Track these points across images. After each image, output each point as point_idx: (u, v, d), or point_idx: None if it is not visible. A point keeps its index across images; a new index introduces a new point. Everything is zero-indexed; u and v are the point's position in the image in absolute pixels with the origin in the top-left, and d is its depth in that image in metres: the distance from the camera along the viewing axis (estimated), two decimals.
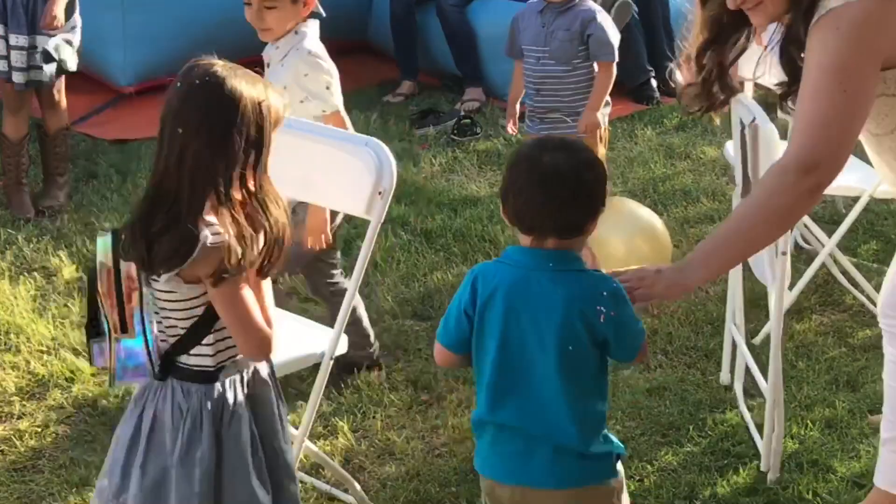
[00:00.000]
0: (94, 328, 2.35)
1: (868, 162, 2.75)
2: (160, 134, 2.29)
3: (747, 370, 3.57)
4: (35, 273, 4.31)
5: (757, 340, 3.91)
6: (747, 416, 3.50)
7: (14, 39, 4.68)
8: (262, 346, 2.34)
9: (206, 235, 2.22)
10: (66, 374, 3.68)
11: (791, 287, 4.05)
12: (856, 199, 4.05)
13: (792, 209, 2.42)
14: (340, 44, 6.88)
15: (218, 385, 2.35)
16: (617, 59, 4.32)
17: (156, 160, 2.30)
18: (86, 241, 4.53)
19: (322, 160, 3.01)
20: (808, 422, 3.48)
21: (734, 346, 3.65)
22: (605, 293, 2.27)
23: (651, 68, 6.21)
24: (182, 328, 2.33)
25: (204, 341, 2.33)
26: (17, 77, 4.70)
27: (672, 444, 3.39)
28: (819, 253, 4.12)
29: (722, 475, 3.26)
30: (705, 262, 2.39)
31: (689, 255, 2.43)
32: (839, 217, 4.63)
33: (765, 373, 3.33)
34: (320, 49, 3.49)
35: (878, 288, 4.08)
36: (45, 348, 3.83)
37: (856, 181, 4.03)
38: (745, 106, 3.29)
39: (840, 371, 3.76)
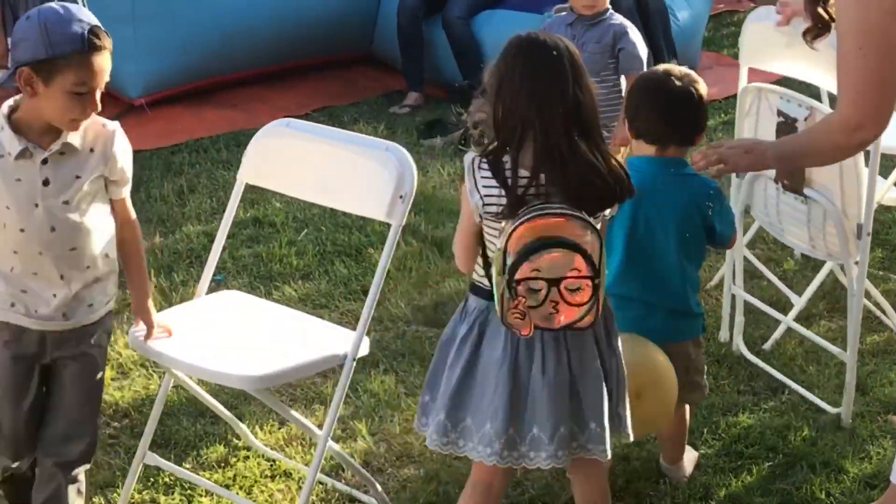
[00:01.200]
0: None
1: None
2: None
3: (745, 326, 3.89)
4: None
5: (767, 346, 3.97)
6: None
7: None
8: None
9: None
10: None
11: (800, 294, 4.11)
12: None
13: (840, 157, 2.96)
14: (347, 56, 6.99)
15: None
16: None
17: None
18: None
19: (343, 165, 3.07)
20: (821, 423, 3.54)
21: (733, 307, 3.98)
22: (711, 191, 3.02)
23: None
24: None
25: None
26: None
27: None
28: (826, 261, 4.17)
29: (736, 476, 3.31)
30: (774, 154, 2.94)
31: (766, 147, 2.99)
32: None
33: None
34: None
35: (884, 294, 4.16)
36: None
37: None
38: (790, 100, 3.54)
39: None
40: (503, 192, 2.52)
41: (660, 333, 3.05)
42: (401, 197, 2.93)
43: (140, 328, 2.99)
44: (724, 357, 3.90)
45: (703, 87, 3.07)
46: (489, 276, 2.60)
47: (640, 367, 2.91)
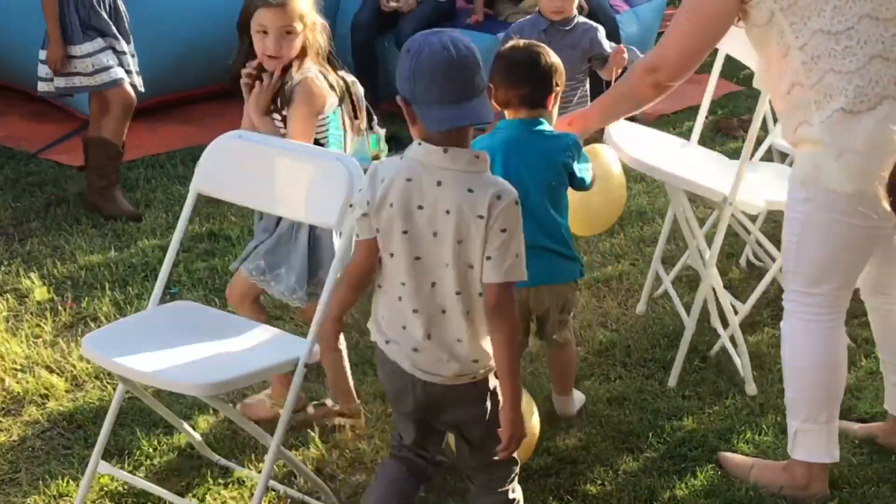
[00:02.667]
0: None
1: None
2: None
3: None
4: (7, 295, 4.37)
5: (712, 353, 4.06)
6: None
7: (120, 46, 5.10)
8: None
9: None
10: (41, 391, 3.75)
11: (744, 301, 4.21)
12: None
13: (638, 97, 3.40)
14: None
15: None
16: None
17: None
18: (56, 263, 4.61)
19: (294, 175, 3.14)
20: (763, 427, 3.63)
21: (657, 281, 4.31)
22: (570, 142, 3.39)
23: None
24: None
25: None
26: (137, 80, 5.18)
27: (632, 450, 3.52)
28: (770, 269, 4.27)
29: (680, 478, 3.38)
30: (598, 113, 3.53)
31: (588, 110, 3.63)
32: None
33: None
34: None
35: None
36: (18, 366, 3.90)
37: None
38: None
39: None
40: None
41: (547, 274, 3.36)
42: (351, 206, 2.99)
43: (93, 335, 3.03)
44: (670, 363, 3.98)
45: (550, 56, 3.41)
46: None
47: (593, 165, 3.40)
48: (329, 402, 3.64)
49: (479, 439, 2.73)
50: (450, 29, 2.65)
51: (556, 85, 3.41)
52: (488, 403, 2.69)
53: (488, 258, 2.55)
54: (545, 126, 3.40)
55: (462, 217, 2.54)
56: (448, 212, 2.55)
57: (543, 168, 3.35)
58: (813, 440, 3.26)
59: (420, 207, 2.58)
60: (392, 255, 2.62)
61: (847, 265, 3.23)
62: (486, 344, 2.65)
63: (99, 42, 5.01)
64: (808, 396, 3.27)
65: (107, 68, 5.00)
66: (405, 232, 2.59)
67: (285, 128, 3.40)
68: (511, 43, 3.49)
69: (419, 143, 2.59)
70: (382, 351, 2.70)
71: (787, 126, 3.22)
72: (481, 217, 2.53)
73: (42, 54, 5.07)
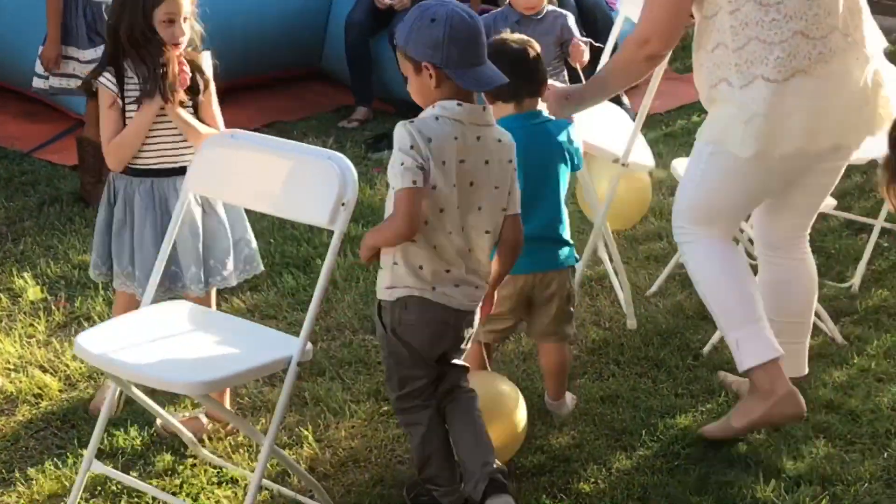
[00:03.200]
0: None
1: None
2: None
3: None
4: (0, 294, 4.37)
5: (705, 351, 4.07)
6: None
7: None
8: None
9: None
10: (35, 391, 3.75)
11: None
12: None
13: (633, 71, 3.55)
14: (296, 72, 7.05)
15: None
16: None
17: None
18: (49, 262, 4.61)
19: (286, 174, 3.14)
20: None
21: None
22: (568, 129, 3.50)
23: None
24: None
25: None
26: None
27: (625, 448, 3.53)
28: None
29: (673, 476, 3.39)
30: (594, 90, 3.61)
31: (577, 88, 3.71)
32: None
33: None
34: None
35: (820, 300, 4.27)
36: (12, 366, 3.89)
37: None
38: None
39: None
40: None
41: (555, 260, 3.49)
42: (343, 204, 3.00)
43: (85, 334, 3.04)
44: (663, 361, 3.99)
45: (536, 46, 3.52)
46: None
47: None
48: (204, 418, 3.59)
49: (459, 355, 3.13)
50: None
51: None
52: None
53: (509, 194, 3.04)
54: (545, 114, 3.50)
55: (499, 165, 3.00)
56: (487, 162, 2.98)
57: (557, 156, 3.48)
58: (754, 342, 3.44)
59: (462, 161, 2.94)
60: (442, 210, 2.94)
61: (737, 211, 3.60)
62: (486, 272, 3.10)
63: (102, 49, 4.98)
64: (731, 306, 3.50)
65: None
66: (454, 185, 2.93)
67: (196, 115, 3.46)
68: (503, 36, 3.53)
69: (458, 104, 2.92)
70: (426, 299, 2.98)
71: (705, 80, 3.46)
72: (510, 161, 3.03)
73: (41, 50, 5.07)
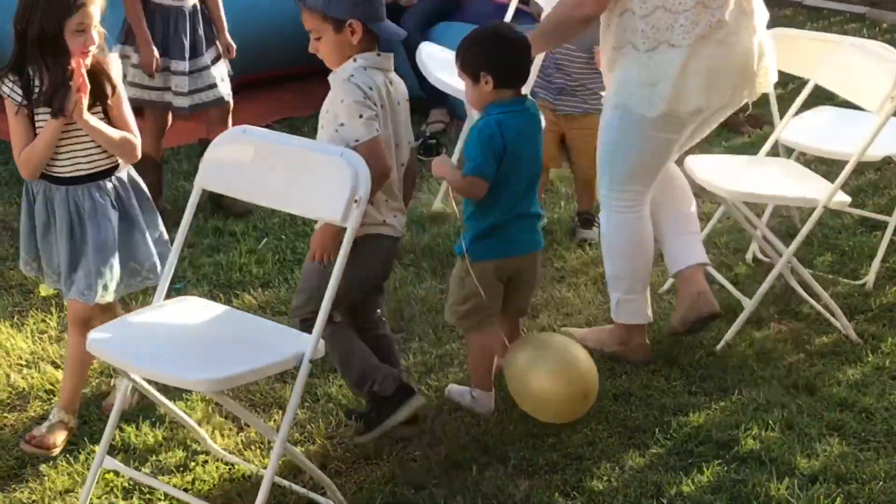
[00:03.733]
0: None
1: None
2: None
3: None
4: (12, 290, 4.37)
5: (718, 348, 4.05)
6: None
7: (176, 65, 4.97)
8: None
9: None
10: (47, 387, 3.74)
11: (750, 297, 4.20)
12: (810, 214, 4.19)
13: (565, 30, 3.85)
14: (306, 68, 7.01)
15: None
16: None
17: None
18: None
19: (299, 170, 3.12)
20: (769, 422, 3.62)
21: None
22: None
23: None
24: None
25: None
26: (182, 101, 5.00)
27: (638, 445, 3.51)
28: (776, 265, 4.26)
29: (687, 474, 3.38)
30: (535, 39, 3.67)
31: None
32: (795, 231, 4.77)
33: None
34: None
35: (833, 297, 4.25)
36: (24, 362, 3.89)
37: (810, 192, 4.19)
38: None
39: (799, 376, 3.90)
40: None
41: (539, 241, 3.65)
42: (356, 201, 2.99)
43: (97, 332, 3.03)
44: (676, 359, 3.98)
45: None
46: None
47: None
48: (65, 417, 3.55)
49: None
50: None
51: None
52: None
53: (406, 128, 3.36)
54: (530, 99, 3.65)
55: (404, 104, 3.34)
56: (399, 103, 3.30)
57: (541, 139, 3.60)
58: (633, 307, 3.93)
59: (399, 103, 3.31)
60: (397, 145, 3.29)
61: (653, 170, 3.89)
62: None
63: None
64: (628, 273, 3.90)
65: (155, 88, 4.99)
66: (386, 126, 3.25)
67: (107, 119, 3.39)
68: (495, 24, 3.74)
69: (378, 54, 3.25)
70: (380, 235, 3.29)
71: (610, 42, 3.76)
72: (407, 100, 3.35)
73: (138, 60, 4.94)
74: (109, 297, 3.42)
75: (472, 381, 3.66)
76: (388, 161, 3.21)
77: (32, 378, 3.79)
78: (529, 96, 3.60)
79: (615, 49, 3.76)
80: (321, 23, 3.23)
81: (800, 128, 4.68)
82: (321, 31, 3.24)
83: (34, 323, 4.12)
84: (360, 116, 3.15)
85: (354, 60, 3.24)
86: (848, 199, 4.26)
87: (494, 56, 3.44)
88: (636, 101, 3.72)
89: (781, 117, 4.71)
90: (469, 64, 3.47)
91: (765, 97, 4.34)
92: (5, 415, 3.62)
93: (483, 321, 3.56)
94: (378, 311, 3.53)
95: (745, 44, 3.76)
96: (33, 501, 3.24)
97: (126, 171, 3.48)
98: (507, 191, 3.46)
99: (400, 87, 3.33)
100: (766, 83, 3.88)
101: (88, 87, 3.28)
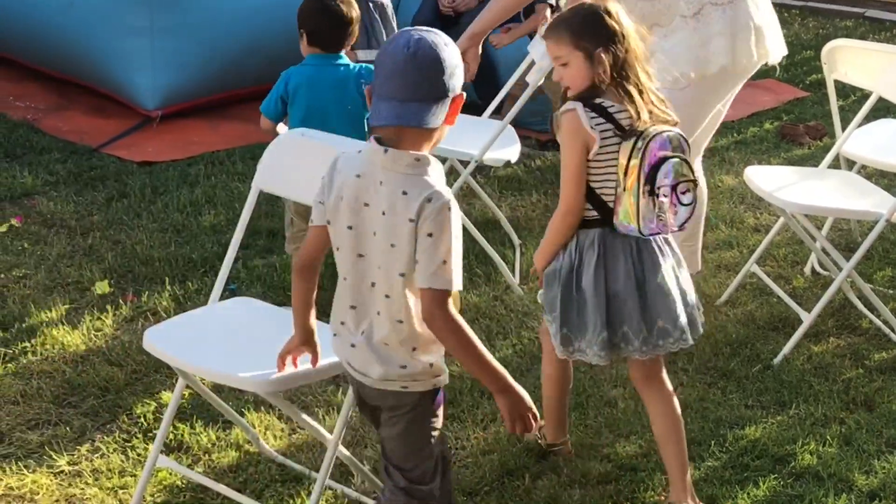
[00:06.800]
0: None
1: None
2: None
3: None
4: (69, 287, 4.41)
5: (775, 362, 4.00)
6: None
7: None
8: None
9: None
10: (101, 384, 3.76)
11: (809, 311, 4.14)
12: (871, 228, 4.13)
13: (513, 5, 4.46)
14: None
15: None
16: None
17: None
18: (117, 257, 4.64)
19: None
20: (827, 437, 3.56)
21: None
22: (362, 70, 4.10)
23: None
24: None
25: None
26: None
27: (694, 458, 3.47)
28: (835, 279, 4.20)
29: (742, 488, 3.33)
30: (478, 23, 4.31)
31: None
32: (855, 245, 4.72)
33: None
34: None
35: (893, 312, 4.18)
36: (79, 358, 3.92)
37: (872, 206, 4.12)
38: None
39: (857, 391, 3.84)
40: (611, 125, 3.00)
41: None
42: None
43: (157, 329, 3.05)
44: (733, 372, 3.93)
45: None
46: (596, 206, 3.05)
47: None
48: None
49: (398, 449, 2.70)
50: (436, 30, 2.57)
51: None
52: (411, 415, 2.65)
53: (416, 262, 2.50)
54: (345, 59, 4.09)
55: (395, 219, 2.51)
56: (384, 213, 2.53)
57: (339, 98, 4.00)
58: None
59: (366, 205, 2.57)
60: (338, 248, 2.63)
61: (702, 143, 4.14)
62: (424, 354, 2.61)
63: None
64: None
65: None
66: (350, 227, 2.59)
67: None
68: None
69: (370, 140, 2.59)
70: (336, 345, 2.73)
71: (655, 21, 3.84)
72: (412, 220, 2.49)
73: (362, 54, 5.04)
74: None
75: None
76: (311, 255, 2.79)
77: (87, 375, 3.81)
78: None
79: (661, 26, 3.87)
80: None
81: (862, 140, 4.61)
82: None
83: (90, 320, 4.15)
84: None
85: None
86: None
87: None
88: (693, 63, 3.85)
89: (843, 129, 4.64)
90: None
91: (827, 109, 4.28)
92: (61, 410, 3.65)
93: None
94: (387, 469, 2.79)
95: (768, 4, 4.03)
96: (87, 498, 3.26)
97: None
98: None
99: (397, 199, 2.55)
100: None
101: None
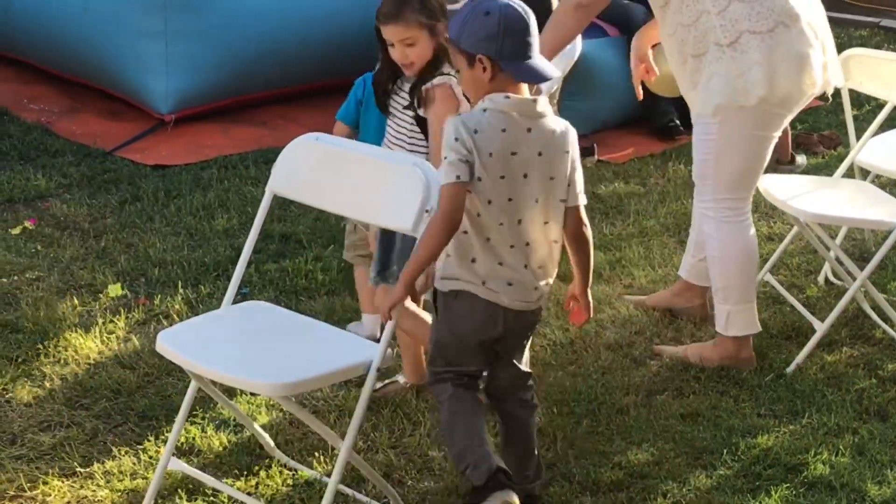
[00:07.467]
0: None
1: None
2: None
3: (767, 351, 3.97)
4: (81, 290, 4.41)
5: (788, 371, 3.99)
6: None
7: None
8: None
9: None
10: (114, 386, 3.77)
11: (822, 320, 4.13)
12: (885, 238, 4.12)
13: (564, 23, 3.87)
14: None
15: None
16: None
17: None
18: (130, 260, 4.64)
19: (371, 179, 3.12)
20: (840, 447, 3.55)
21: None
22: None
23: (673, 109, 6.29)
24: None
25: None
26: None
27: (706, 467, 3.46)
28: (849, 288, 4.18)
29: (754, 497, 3.32)
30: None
31: None
32: (868, 254, 4.71)
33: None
34: None
35: None
36: (92, 361, 3.92)
37: (886, 215, 4.11)
38: None
39: (870, 401, 3.82)
40: None
41: None
42: (427, 211, 2.97)
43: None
44: (745, 380, 3.92)
45: None
46: None
47: None
48: (401, 378, 3.74)
49: (518, 357, 3.10)
50: None
51: None
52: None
53: (569, 185, 2.98)
54: None
55: (554, 155, 2.95)
56: (540, 153, 2.93)
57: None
58: (743, 318, 3.93)
59: (514, 154, 2.91)
60: (490, 201, 2.92)
61: (755, 174, 3.92)
62: (553, 269, 3.05)
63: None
64: (738, 283, 3.91)
65: None
66: (502, 177, 2.91)
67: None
68: None
69: (506, 97, 2.90)
70: (475, 295, 2.96)
71: (690, 50, 3.80)
72: (567, 152, 2.97)
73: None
74: None
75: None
76: (453, 214, 2.87)
77: (100, 377, 3.82)
78: None
79: (696, 57, 3.80)
80: (457, 55, 2.99)
81: (876, 149, 4.60)
82: (458, 63, 3.01)
83: (102, 323, 4.16)
84: (445, 159, 2.89)
85: (483, 100, 2.93)
86: None
87: None
88: (730, 94, 3.74)
89: (858, 138, 4.63)
90: None
91: (841, 118, 4.28)
92: (73, 412, 3.65)
93: None
94: (517, 388, 3.13)
95: (816, 32, 3.86)
96: (99, 500, 3.26)
97: None
98: None
99: (550, 137, 2.94)
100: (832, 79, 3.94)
101: None
